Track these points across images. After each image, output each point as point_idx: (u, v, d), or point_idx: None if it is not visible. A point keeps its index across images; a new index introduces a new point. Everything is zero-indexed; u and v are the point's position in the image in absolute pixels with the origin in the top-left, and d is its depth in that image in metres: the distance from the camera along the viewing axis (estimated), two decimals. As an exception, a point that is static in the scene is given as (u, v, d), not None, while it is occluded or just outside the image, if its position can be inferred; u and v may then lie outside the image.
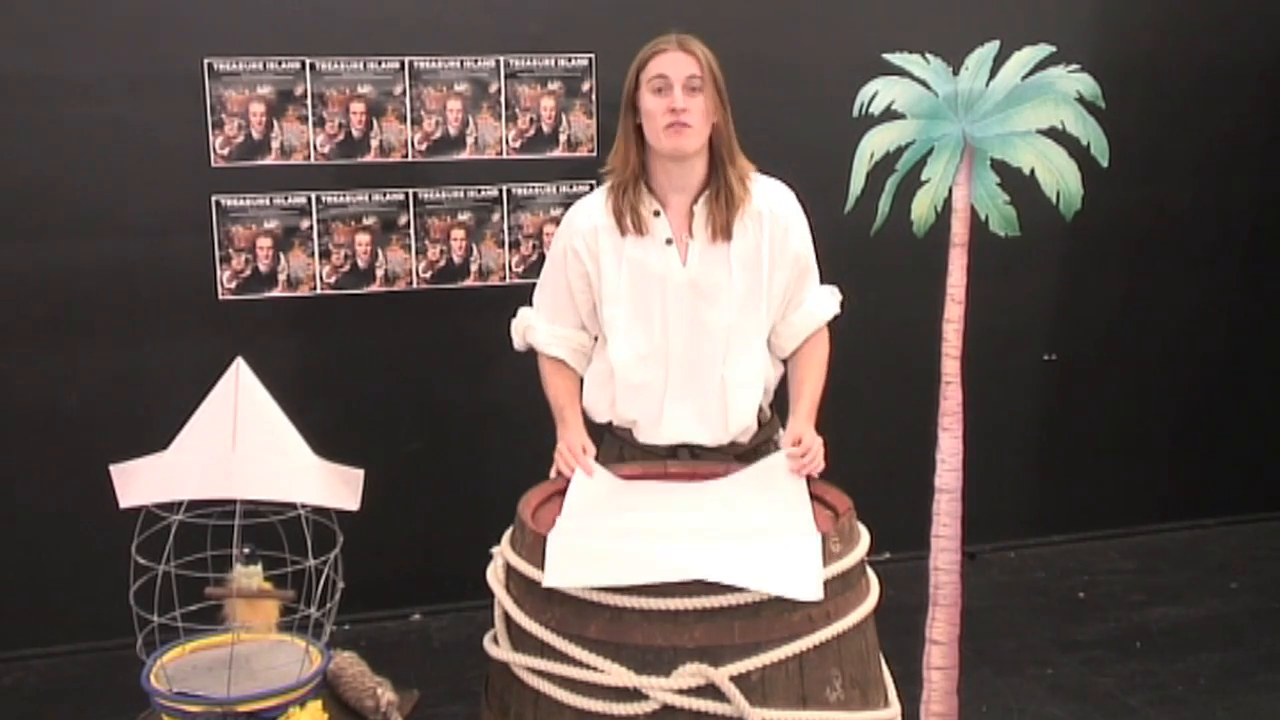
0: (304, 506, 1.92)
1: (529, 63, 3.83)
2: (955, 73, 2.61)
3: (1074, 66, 2.51)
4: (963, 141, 2.58)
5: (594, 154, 3.88)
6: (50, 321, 3.61)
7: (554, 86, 3.86)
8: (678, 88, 2.33)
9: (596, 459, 2.46)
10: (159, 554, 1.86)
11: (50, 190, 3.54)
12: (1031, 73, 2.53)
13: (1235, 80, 4.47)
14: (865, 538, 2.17)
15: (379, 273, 3.82)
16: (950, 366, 2.67)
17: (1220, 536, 4.67)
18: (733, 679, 1.92)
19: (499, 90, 3.82)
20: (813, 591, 1.96)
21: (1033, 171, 2.50)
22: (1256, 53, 4.48)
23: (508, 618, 2.09)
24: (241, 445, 1.88)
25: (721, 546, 1.99)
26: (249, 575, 2.06)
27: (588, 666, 1.95)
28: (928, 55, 2.64)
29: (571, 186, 3.90)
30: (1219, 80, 4.44)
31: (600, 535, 2.08)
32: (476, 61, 3.79)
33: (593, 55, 3.86)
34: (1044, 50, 2.55)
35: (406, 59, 3.74)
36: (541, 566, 2.00)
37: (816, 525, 2.12)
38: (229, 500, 1.88)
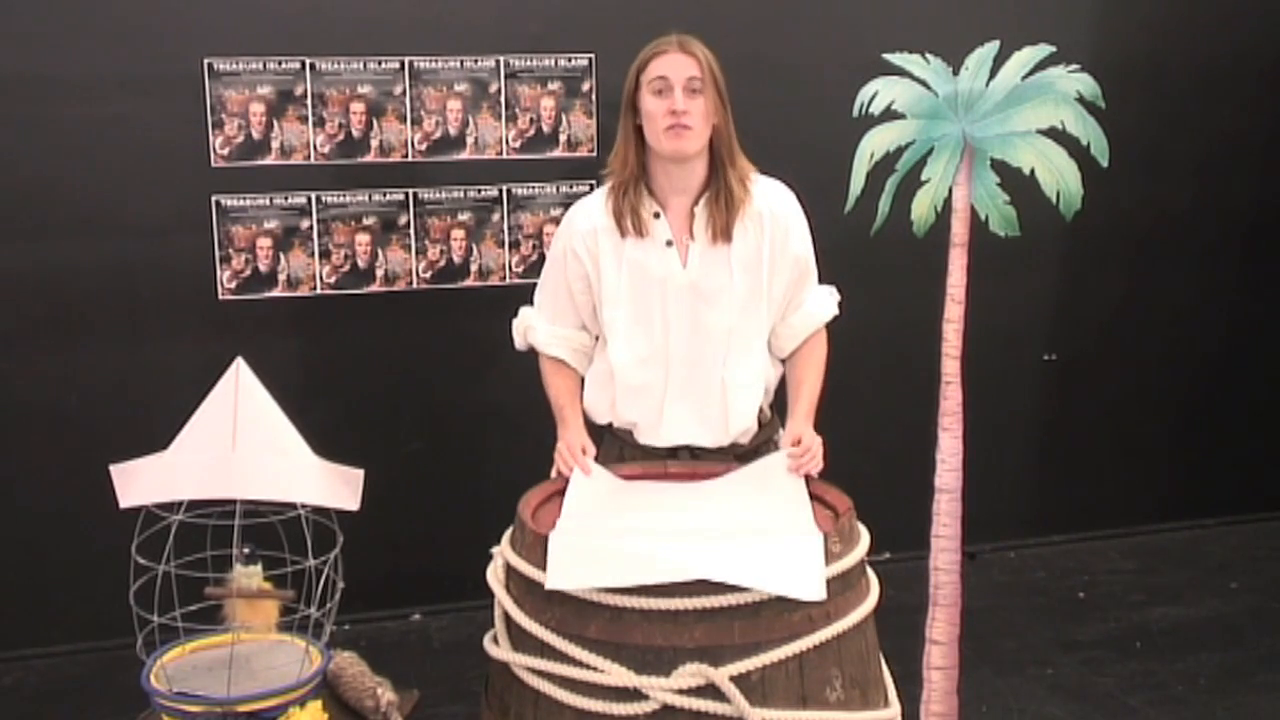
0: (304, 506, 1.92)
1: (529, 63, 3.83)
2: (955, 73, 2.61)
3: (1074, 66, 2.51)
4: (963, 141, 2.58)
5: (594, 154, 3.88)
6: (50, 321, 3.61)
7: (554, 86, 3.86)
8: (678, 89, 2.32)
9: (596, 459, 2.45)
10: (159, 554, 1.86)
11: (50, 190, 3.54)
12: (1031, 73, 2.54)
13: (1235, 80, 4.47)
14: (865, 538, 2.17)
15: (379, 273, 3.82)
16: (950, 366, 2.67)
17: (1220, 536, 4.67)
18: (733, 679, 1.92)
19: (499, 90, 3.82)
20: (815, 591, 1.96)
21: (1033, 171, 2.50)
22: (1256, 53, 4.48)
23: (508, 618, 2.09)
24: (241, 445, 1.88)
25: (723, 546, 1.99)
26: (249, 575, 2.06)
27: (588, 666, 1.95)
28: (928, 55, 2.64)
29: (571, 186, 3.90)
30: (1219, 80, 4.44)
31: (602, 536, 2.08)
32: (476, 61, 3.79)
33: (593, 55, 3.86)
34: (1044, 50, 2.55)
35: (406, 59, 3.74)
36: (541, 566, 2.00)
37: (817, 525, 2.13)
38: (229, 500, 1.88)
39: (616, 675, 1.93)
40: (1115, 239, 4.38)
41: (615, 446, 2.56)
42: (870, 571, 2.21)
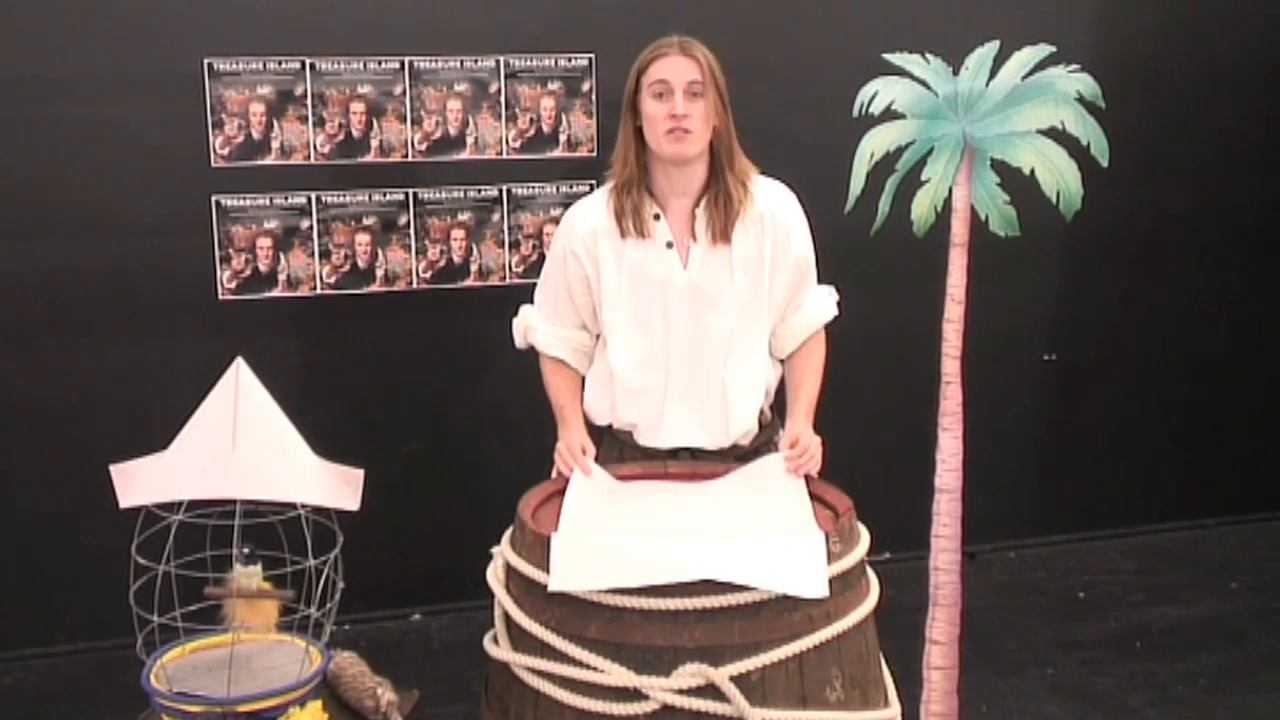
0: (304, 506, 1.92)
1: (529, 63, 3.83)
2: (955, 73, 2.61)
3: (1074, 66, 2.51)
4: (963, 141, 2.58)
5: (594, 154, 3.88)
6: (50, 321, 3.61)
7: (554, 86, 3.86)
8: (679, 93, 2.32)
9: (596, 459, 2.45)
10: (159, 554, 1.86)
11: (50, 190, 3.54)
12: (1031, 73, 2.53)
13: (1235, 81, 4.47)
14: (865, 538, 2.17)
15: (379, 273, 3.82)
16: (950, 366, 2.67)
17: (1220, 536, 4.67)
18: (733, 679, 1.92)
19: (499, 90, 3.82)
20: (818, 589, 1.96)
21: (1033, 171, 2.50)
22: (1256, 53, 4.48)
23: (508, 618, 2.09)
24: (241, 445, 1.88)
25: (725, 546, 1.99)
26: (249, 575, 2.06)
27: (588, 666, 1.95)
28: (928, 55, 2.63)
29: (571, 186, 3.90)
30: (1219, 81, 4.44)
31: (604, 537, 2.08)
32: (476, 61, 3.79)
33: (593, 55, 3.86)
34: (1044, 50, 2.55)
35: (406, 59, 3.74)
36: (541, 566, 2.00)
37: (817, 524, 2.13)
38: (229, 500, 1.88)
39: (616, 675, 1.93)
40: (1115, 239, 4.38)
41: (615, 448, 2.56)
42: (870, 571, 2.21)
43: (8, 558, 3.67)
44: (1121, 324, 4.55)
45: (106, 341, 3.66)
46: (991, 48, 2.58)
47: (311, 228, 3.74)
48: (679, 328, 2.44)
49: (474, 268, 3.89)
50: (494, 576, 2.17)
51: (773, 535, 2.07)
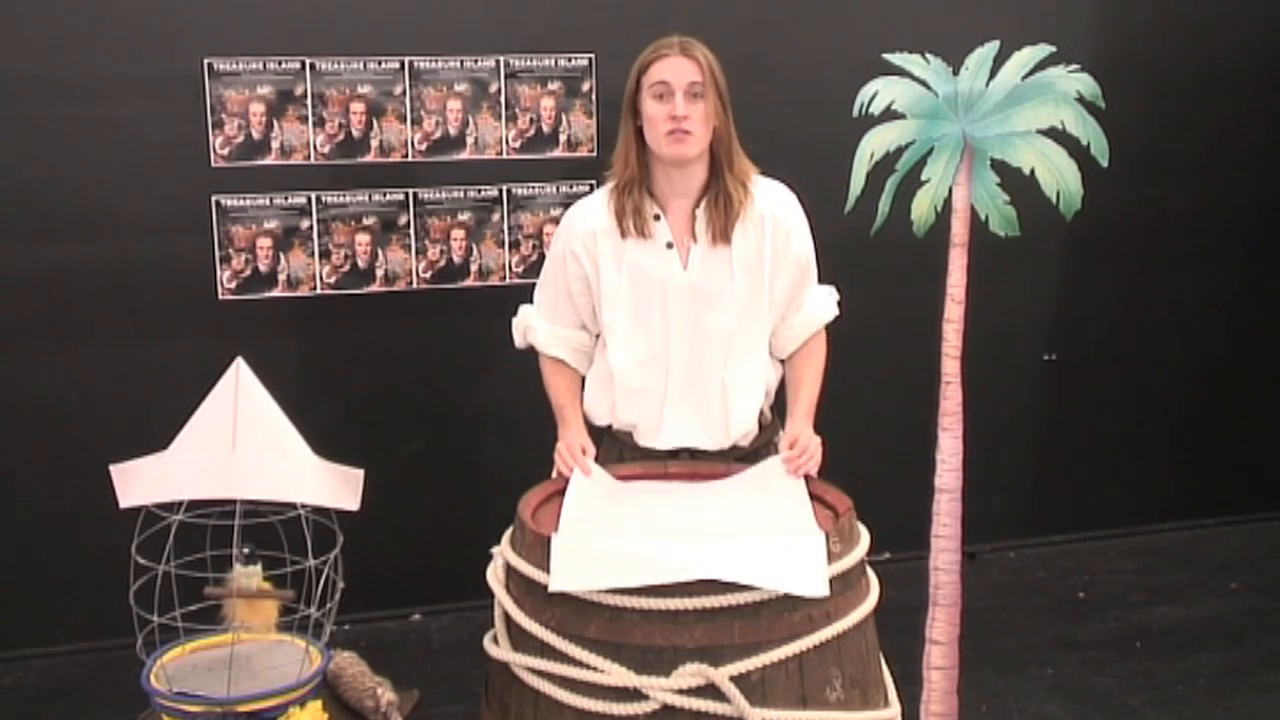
0: (304, 506, 1.92)
1: (529, 63, 3.83)
2: (955, 73, 2.61)
3: (1074, 66, 2.51)
4: (963, 141, 2.58)
5: (594, 154, 3.88)
6: (50, 321, 3.61)
7: (554, 86, 3.86)
8: (679, 94, 2.32)
9: (596, 460, 2.45)
10: (159, 554, 1.86)
11: (50, 190, 3.54)
12: (1031, 73, 2.53)
13: (1235, 80, 4.47)
14: (865, 538, 2.17)
15: (379, 273, 3.82)
16: (950, 366, 2.67)
17: (1220, 536, 4.67)
18: (733, 679, 1.92)
19: (499, 90, 3.82)
20: (819, 587, 1.96)
21: (1033, 171, 2.49)
22: (1256, 53, 4.48)
23: (508, 618, 2.09)
24: (241, 445, 1.88)
25: (725, 546, 1.99)
26: (249, 575, 2.06)
27: (588, 666, 1.95)
28: (928, 55, 2.63)
29: (571, 186, 3.90)
30: (1219, 80, 4.44)
31: (604, 537, 2.08)
32: (476, 61, 3.79)
33: (593, 55, 3.86)
34: (1044, 50, 2.55)
35: (406, 59, 3.74)
36: (541, 566, 2.00)
37: (817, 524, 2.13)
38: (229, 500, 1.88)
39: (616, 675, 1.93)
40: (1115, 239, 4.38)
41: (615, 448, 2.56)
42: (870, 571, 2.21)
43: (8, 558, 3.67)
44: (1121, 324, 4.55)
45: (106, 341, 3.66)
46: (991, 48, 2.58)
47: (311, 228, 3.74)
48: (679, 328, 2.44)
49: (474, 268, 3.89)
50: (494, 576, 2.17)
51: (773, 535, 2.07)
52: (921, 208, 2.63)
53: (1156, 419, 4.67)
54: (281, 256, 3.73)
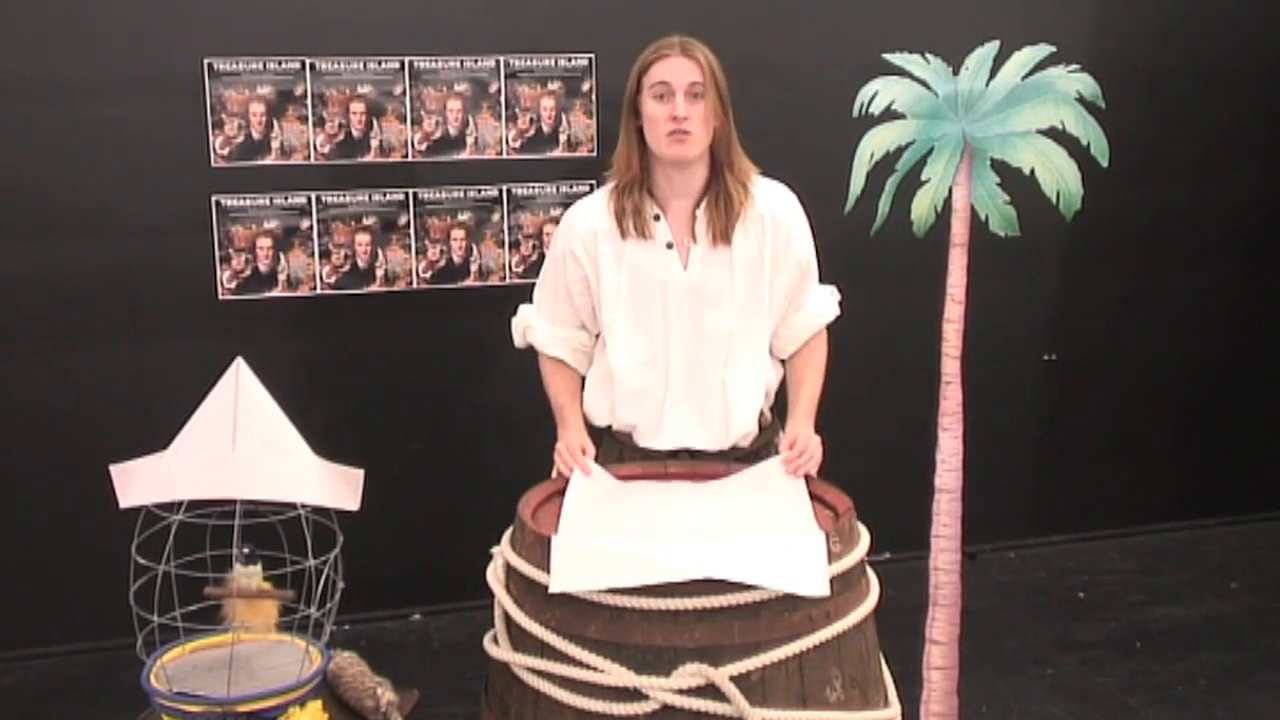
0: (304, 506, 1.92)
1: (529, 63, 3.83)
2: (955, 73, 2.61)
3: (1074, 66, 2.51)
4: (963, 141, 2.58)
5: (594, 154, 3.88)
6: (50, 321, 3.61)
7: (554, 86, 3.86)
8: (680, 94, 2.32)
9: (596, 459, 2.45)
10: (159, 554, 1.86)
11: (50, 190, 3.54)
12: (1031, 73, 2.53)
13: (1235, 80, 4.47)
14: (865, 538, 2.17)
15: (379, 273, 3.82)
16: (950, 366, 2.67)
17: (1220, 536, 4.67)
18: (733, 679, 1.92)
19: (499, 90, 3.82)
20: (819, 587, 1.96)
21: (1033, 171, 2.49)
22: (1256, 53, 4.48)
23: (508, 618, 2.09)
24: (241, 445, 1.88)
25: (725, 545, 1.99)
26: (249, 575, 2.06)
27: (588, 666, 1.95)
28: (928, 55, 2.63)
29: (571, 186, 3.90)
30: (1219, 80, 4.44)
31: (605, 537, 2.09)
32: (476, 61, 3.79)
33: (593, 55, 3.86)
34: (1044, 50, 2.55)
35: (406, 59, 3.74)
36: (541, 566, 2.00)
37: (817, 524, 2.13)
38: (229, 500, 1.88)
39: (616, 675, 1.93)
40: (1115, 239, 4.38)
41: (615, 449, 2.56)
42: (870, 571, 2.21)
43: (8, 558, 3.67)
44: (1121, 324, 4.55)
45: (106, 341, 3.66)
46: (991, 48, 2.58)
47: (311, 228, 3.74)
48: (679, 328, 2.44)
49: (474, 268, 3.89)
50: (494, 576, 2.17)
51: (773, 535, 2.07)
52: (921, 208, 2.63)
53: (1156, 419, 4.67)
54: (281, 256, 3.73)
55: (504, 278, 3.91)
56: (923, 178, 2.62)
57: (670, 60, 2.34)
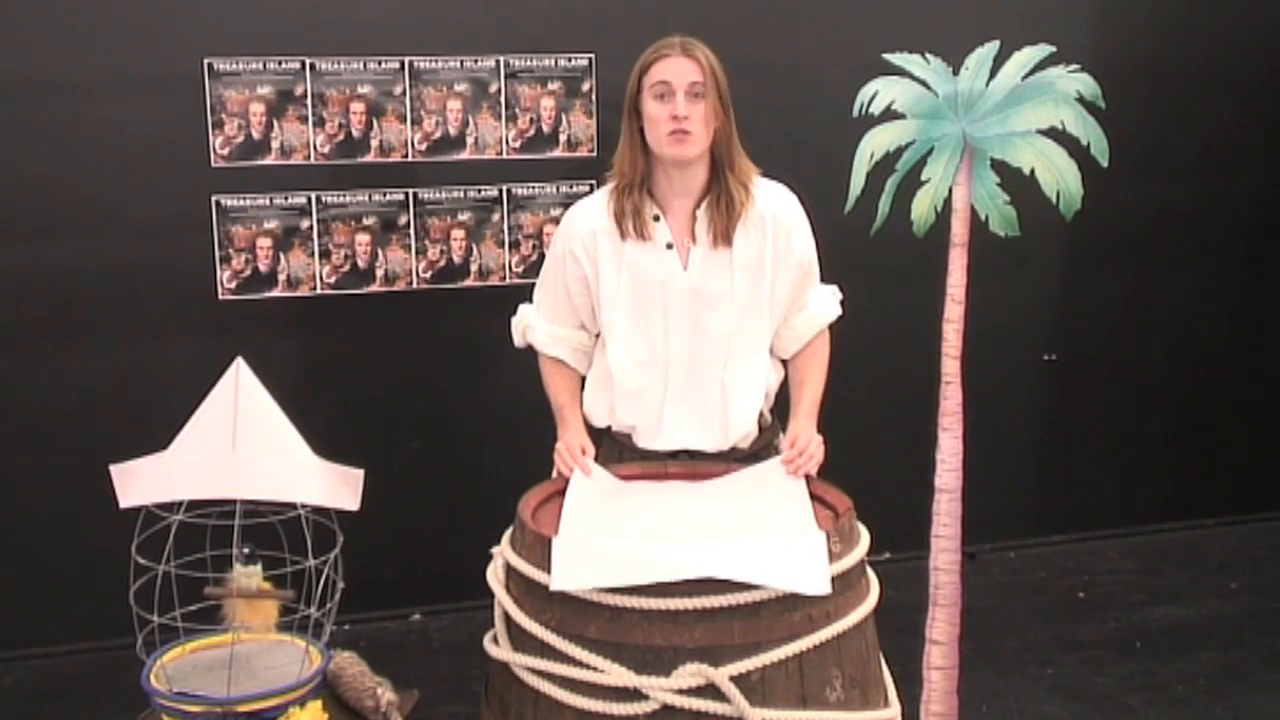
0: (304, 506, 1.92)
1: (529, 63, 3.83)
2: (955, 73, 2.61)
3: (1074, 66, 2.51)
4: (963, 141, 2.58)
5: (594, 154, 3.88)
6: (50, 321, 3.61)
7: (554, 86, 3.86)
8: (680, 94, 2.31)
9: (596, 459, 2.45)
10: (159, 554, 1.86)
11: (50, 190, 3.54)
12: (1031, 73, 2.53)
13: (1235, 80, 4.47)
14: (865, 538, 2.17)
15: (379, 273, 3.82)
16: (950, 366, 2.67)
17: (1220, 536, 4.67)
18: (733, 679, 1.92)
19: (499, 90, 3.82)
20: (821, 586, 1.96)
21: (1033, 171, 2.49)
22: (1256, 53, 4.48)
23: (508, 618, 2.09)
24: (241, 445, 1.88)
25: (726, 545, 1.99)
26: (249, 575, 2.06)
27: (588, 666, 1.95)
28: (928, 55, 2.63)
29: (571, 186, 3.90)
30: (1219, 80, 4.44)
31: (606, 537, 2.08)
32: (476, 61, 3.79)
33: (593, 55, 3.86)
34: (1044, 50, 2.55)
35: (406, 59, 3.74)
36: (541, 566, 2.00)
37: (817, 524, 2.13)
38: (229, 500, 1.88)
39: (616, 675, 1.93)
40: (1115, 239, 4.38)
41: (614, 450, 2.55)
42: (870, 571, 2.21)
43: (8, 558, 3.67)
44: (1121, 324, 4.55)
45: (106, 341, 3.66)
46: (991, 48, 2.58)
47: (311, 228, 3.74)
48: (679, 329, 2.44)
49: (474, 268, 3.89)
50: (494, 576, 2.17)
51: (774, 534, 2.07)
52: (921, 208, 2.63)
53: (1156, 419, 4.67)
54: (281, 256, 3.73)
55: (504, 278, 3.91)
56: (923, 178, 2.62)
57: (671, 60, 2.33)
